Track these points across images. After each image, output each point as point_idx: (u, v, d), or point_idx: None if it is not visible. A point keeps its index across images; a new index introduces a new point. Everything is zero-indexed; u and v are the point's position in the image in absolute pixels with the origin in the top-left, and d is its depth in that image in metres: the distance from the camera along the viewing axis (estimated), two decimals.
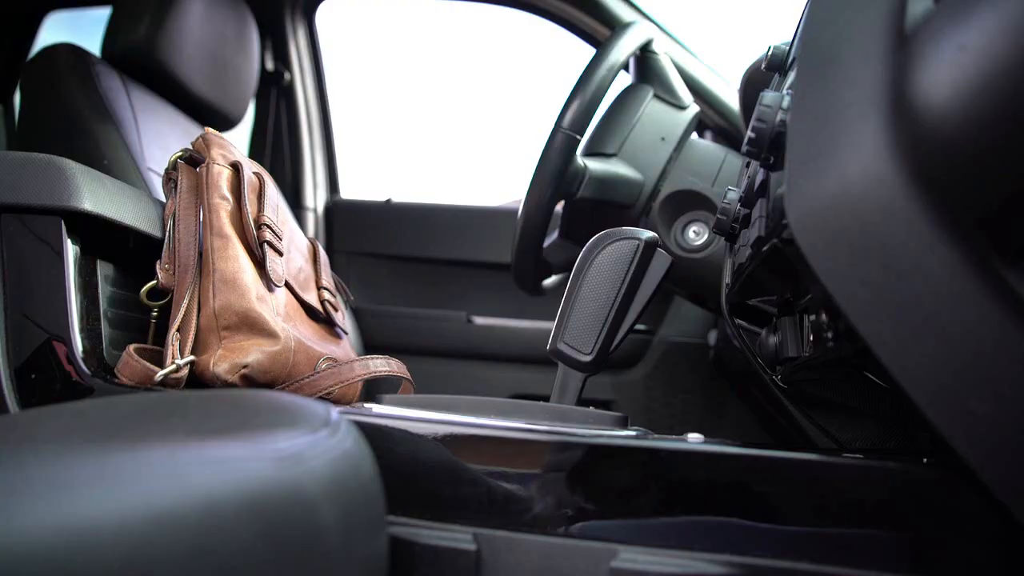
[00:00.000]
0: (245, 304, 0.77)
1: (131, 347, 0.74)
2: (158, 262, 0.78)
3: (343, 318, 1.00)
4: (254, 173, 0.88)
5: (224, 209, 0.81)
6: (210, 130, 0.87)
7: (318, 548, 0.36)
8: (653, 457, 0.48)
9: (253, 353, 0.76)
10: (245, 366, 0.75)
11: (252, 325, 0.77)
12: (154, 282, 0.78)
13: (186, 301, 0.77)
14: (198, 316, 0.77)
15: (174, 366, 0.72)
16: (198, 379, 0.75)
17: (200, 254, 0.80)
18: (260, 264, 0.83)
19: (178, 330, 0.75)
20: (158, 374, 0.72)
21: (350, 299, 1.06)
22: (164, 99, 1.24)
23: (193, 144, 0.86)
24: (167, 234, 0.80)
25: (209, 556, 0.30)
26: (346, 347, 0.97)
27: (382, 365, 0.87)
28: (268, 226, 0.85)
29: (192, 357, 0.75)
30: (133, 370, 0.72)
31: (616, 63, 0.95)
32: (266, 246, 0.83)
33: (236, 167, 0.85)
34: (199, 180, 0.83)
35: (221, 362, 0.74)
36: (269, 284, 0.83)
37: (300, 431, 0.41)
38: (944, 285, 0.36)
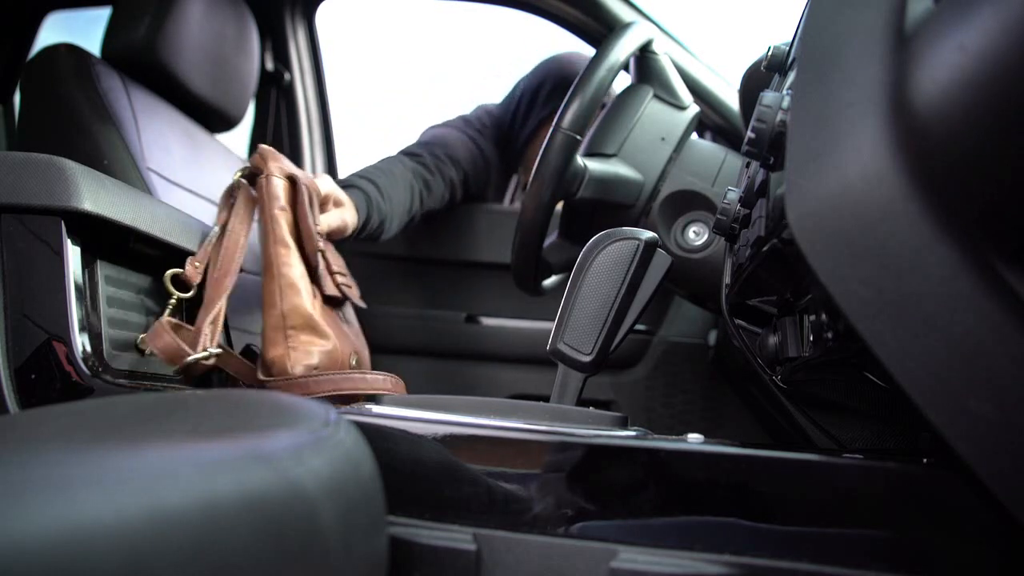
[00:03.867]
0: (308, 308, 0.87)
1: (165, 320, 0.78)
2: (191, 258, 0.86)
3: (356, 294, 1.05)
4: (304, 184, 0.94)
5: (284, 219, 0.89)
6: (264, 146, 0.93)
7: (318, 548, 0.36)
8: (653, 457, 0.48)
9: (316, 354, 0.87)
10: (315, 367, 0.86)
11: (313, 327, 0.87)
12: (181, 271, 0.84)
13: (222, 301, 0.83)
14: (267, 315, 0.86)
15: (206, 352, 0.79)
16: (269, 369, 0.86)
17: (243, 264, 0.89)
18: (313, 270, 0.92)
19: (211, 323, 0.82)
20: (191, 356, 0.77)
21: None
22: (164, 99, 1.23)
23: (250, 160, 0.93)
24: (209, 239, 0.88)
25: (209, 556, 0.30)
26: (357, 330, 1.04)
27: (381, 382, 0.90)
28: (321, 235, 0.93)
29: (219, 349, 0.82)
30: (166, 344, 0.77)
31: (616, 63, 0.95)
32: (319, 255, 0.92)
33: (292, 179, 0.92)
34: (260, 193, 0.90)
35: (296, 365, 0.85)
36: (319, 288, 0.92)
37: (300, 431, 0.41)
38: (944, 285, 0.36)
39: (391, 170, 1.24)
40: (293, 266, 0.88)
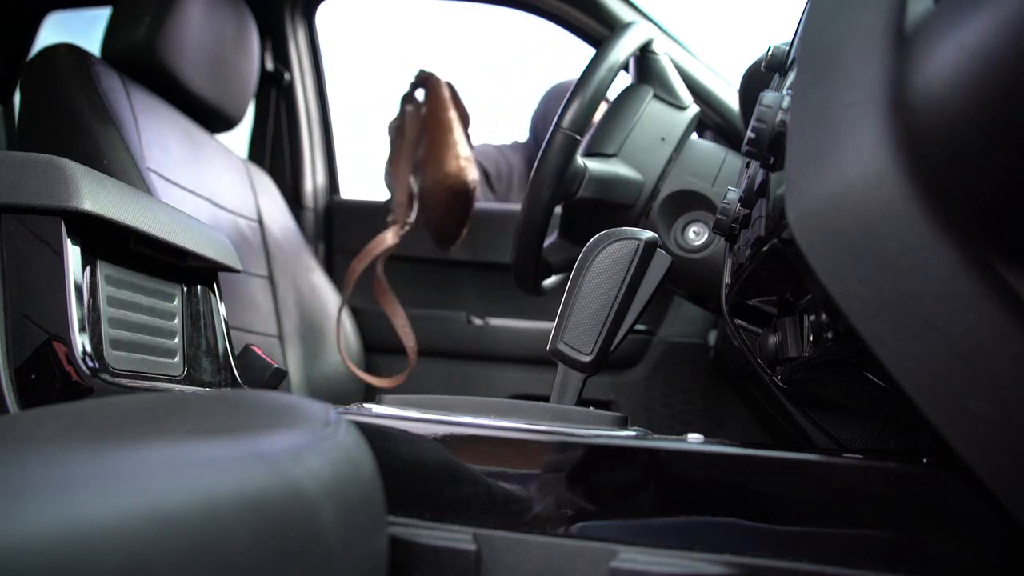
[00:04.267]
0: (466, 151, 1.45)
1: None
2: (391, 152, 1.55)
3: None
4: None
5: (450, 106, 1.48)
6: (423, 68, 1.51)
7: (318, 548, 0.36)
8: (653, 457, 0.48)
9: (476, 173, 1.46)
10: (477, 180, 1.47)
11: (472, 161, 1.45)
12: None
13: (409, 177, 1.51)
14: (445, 154, 1.44)
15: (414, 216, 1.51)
16: (453, 175, 1.44)
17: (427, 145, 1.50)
18: (468, 138, 1.51)
19: (408, 197, 1.52)
20: (409, 222, 1.52)
21: None
22: (164, 99, 1.23)
23: (415, 77, 1.51)
24: (390, 135, 1.55)
25: (208, 556, 0.30)
26: None
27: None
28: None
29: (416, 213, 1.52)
30: (404, 194, 1.49)
31: (616, 63, 0.95)
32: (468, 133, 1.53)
33: (449, 84, 1.52)
34: (431, 93, 1.50)
35: (470, 176, 1.43)
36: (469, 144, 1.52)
37: (300, 431, 0.41)
38: (944, 285, 0.36)
39: None
40: (458, 131, 1.46)
